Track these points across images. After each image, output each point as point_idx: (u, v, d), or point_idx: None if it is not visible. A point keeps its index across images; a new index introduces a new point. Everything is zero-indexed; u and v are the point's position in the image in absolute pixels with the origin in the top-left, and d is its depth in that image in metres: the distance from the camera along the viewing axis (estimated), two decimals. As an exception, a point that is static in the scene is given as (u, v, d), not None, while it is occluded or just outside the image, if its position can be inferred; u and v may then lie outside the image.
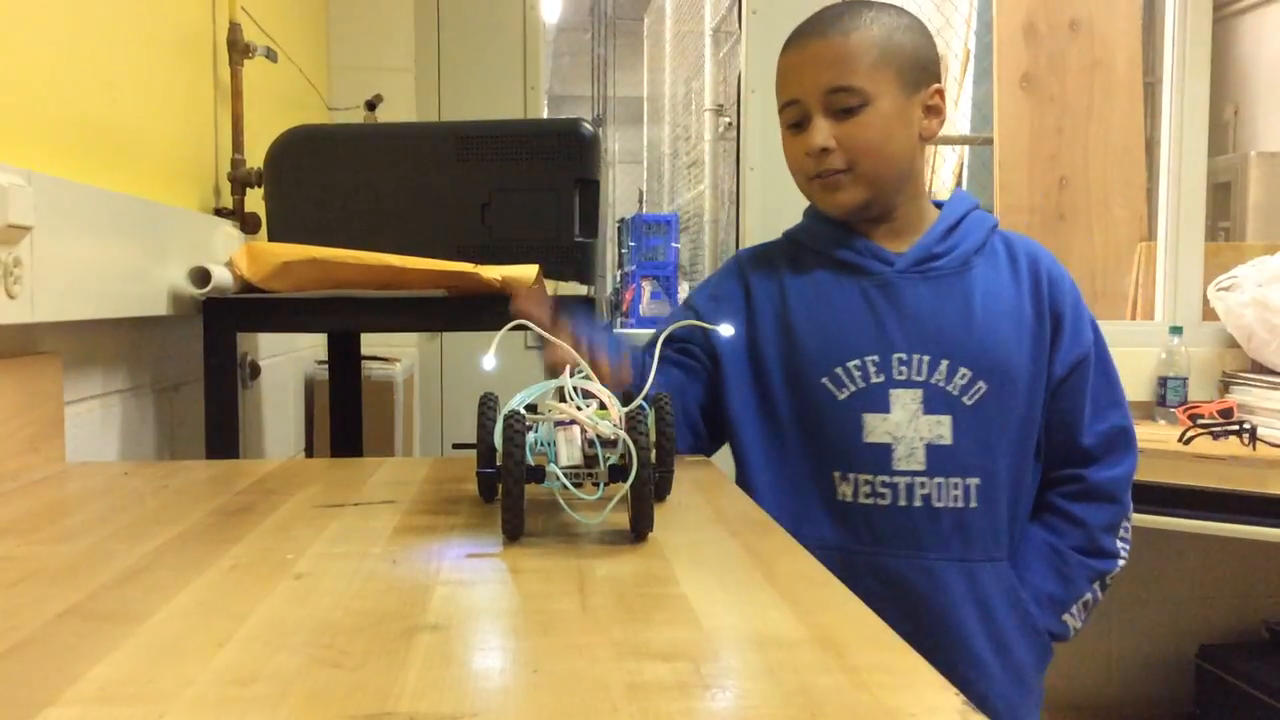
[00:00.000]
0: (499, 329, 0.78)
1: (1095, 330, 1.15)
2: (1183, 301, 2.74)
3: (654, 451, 0.70)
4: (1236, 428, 2.09)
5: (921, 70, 1.10)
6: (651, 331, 1.23)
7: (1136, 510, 2.06)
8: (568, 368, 0.75)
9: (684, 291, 5.59)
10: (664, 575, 0.58)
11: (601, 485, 0.68)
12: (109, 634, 0.47)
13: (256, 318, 1.27)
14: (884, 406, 1.07)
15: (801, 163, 1.11)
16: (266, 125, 1.61)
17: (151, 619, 0.50)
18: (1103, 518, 1.13)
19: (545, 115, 3.61)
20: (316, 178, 1.35)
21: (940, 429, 1.06)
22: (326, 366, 1.83)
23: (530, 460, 0.67)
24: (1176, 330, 2.55)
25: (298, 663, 0.44)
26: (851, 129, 1.07)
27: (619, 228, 6.11)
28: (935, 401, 1.07)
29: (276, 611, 0.51)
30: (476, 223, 1.33)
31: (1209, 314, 2.66)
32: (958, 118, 3.90)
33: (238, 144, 1.56)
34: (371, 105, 2.14)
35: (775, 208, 2.61)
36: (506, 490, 0.64)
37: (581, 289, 1.37)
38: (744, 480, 1.12)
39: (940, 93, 1.12)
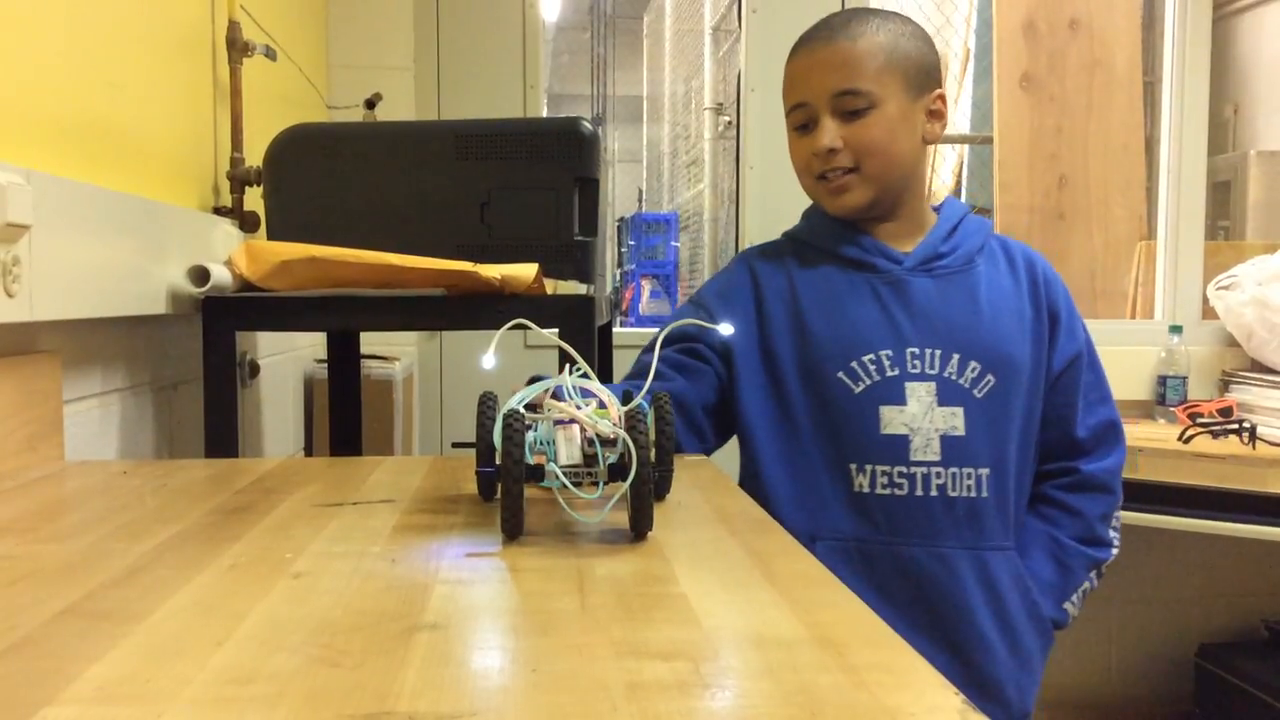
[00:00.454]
0: (498, 328, 0.78)
1: (1085, 329, 1.21)
2: (1182, 300, 2.74)
3: (653, 450, 0.70)
4: (1236, 427, 2.09)
5: (925, 75, 1.14)
6: (654, 331, 1.23)
7: (1137, 510, 2.06)
8: (567, 367, 0.75)
9: (683, 291, 5.59)
10: (663, 574, 0.58)
11: (601, 484, 0.68)
12: (107, 633, 0.47)
13: (256, 316, 1.27)
14: (900, 399, 1.10)
15: (808, 163, 1.15)
16: (266, 124, 1.61)
17: (150, 618, 0.50)
18: (1098, 508, 1.17)
19: (545, 114, 3.61)
20: (316, 176, 1.35)
21: (954, 420, 1.10)
22: (326, 365, 1.83)
23: (530, 459, 0.67)
24: (1176, 329, 2.55)
25: (296, 662, 0.44)
26: (858, 130, 1.11)
27: (618, 227, 6.11)
28: (948, 394, 1.10)
29: (275, 611, 0.51)
30: (476, 221, 1.33)
31: (1209, 313, 2.66)
32: (957, 117, 3.90)
33: (237, 142, 1.55)
34: (371, 104, 2.13)
35: (775, 206, 2.61)
36: (506, 489, 0.64)
37: (581, 288, 1.37)
38: (756, 476, 1.14)
39: (942, 97, 1.16)
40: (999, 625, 1.10)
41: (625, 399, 0.73)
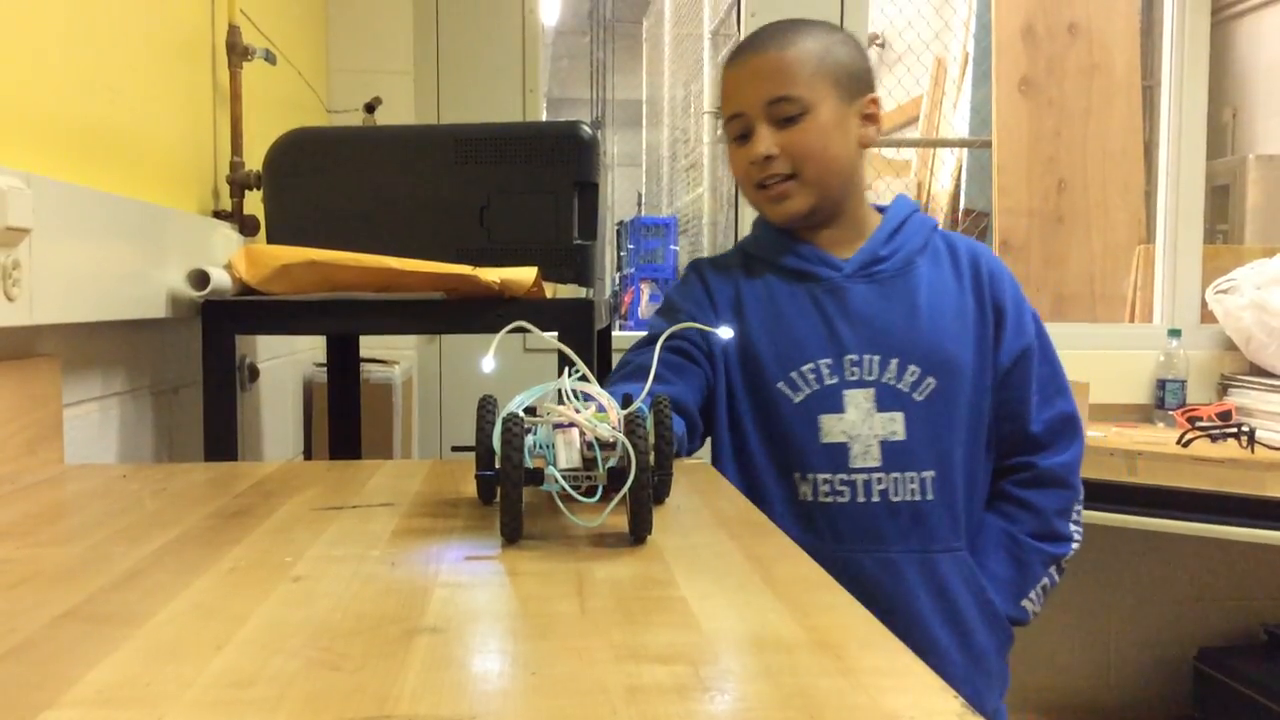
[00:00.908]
0: (498, 331, 0.78)
1: (1037, 322, 1.20)
2: (1181, 304, 2.74)
3: (652, 454, 0.70)
4: (1235, 430, 2.09)
5: (857, 80, 1.15)
6: (642, 334, 1.23)
7: (1136, 513, 2.06)
8: (566, 370, 0.75)
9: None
10: (663, 578, 0.58)
11: (600, 488, 0.68)
12: (108, 636, 0.47)
13: (255, 320, 1.27)
14: (838, 407, 1.11)
15: (747, 172, 1.16)
16: (265, 128, 1.61)
17: (150, 621, 0.50)
18: (1055, 503, 1.17)
19: (544, 118, 3.62)
20: (315, 180, 1.35)
21: (894, 425, 1.11)
22: (325, 369, 1.83)
23: (529, 463, 0.67)
24: (1175, 333, 2.55)
25: (296, 665, 0.44)
26: (794, 136, 1.12)
27: (618, 230, 6.11)
28: (887, 399, 1.11)
29: (275, 614, 0.51)
30: (475, 225, 1.33)
31: (1207, 317, 2.66)
32: (956, 120, 3.91)
33: (236, 146, 1.56)
34: (370, 108, 2.14)
35: (774, 210, 2.60)
36: (505, 493, 0.64)
37: (580, 292, 1.37)
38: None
39: (875, 101, 1.17)
40: (950, 627, 1.10)
41: (624, 402, 0.73)
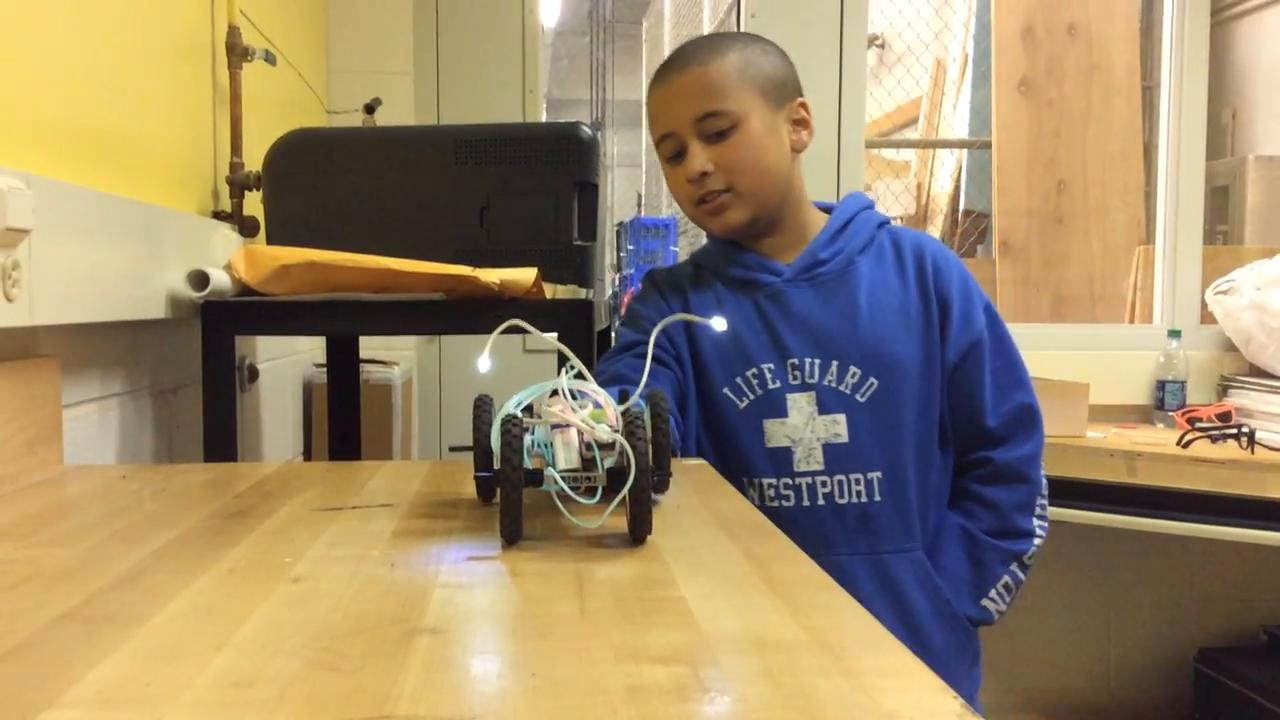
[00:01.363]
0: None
1: (991, 314, 1.19)
2: (1181, 305, 2.74)
3: (650, 453, 0.70)
4: (1235, 431, 2.09)
5: (782, 87, 1.15)
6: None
7: (1136, 514, 2.06)
8: (563, 370, 0.75)
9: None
10: (662, 578, 0.58)
11: (600, 488, 0.68)
12: (107, 637, 0.47)
13: (255, 321, 1.27)
14: (781, 411, 1.12)
15: (685, 190, 1.16)
16: (265, 128, 1.61)
17: (150, 622, 0.50)
18: (1014, 498, 1.16)
19: (544, 119, 3.62)
20: (315, 181, 1.35)
21: (836, 428, 1.11)
22: (325, 369, 1.83)
23: (528, 463, 0.67)
24: (1175, 334, 2.55)
25: (296, 666, 0.44)
26: (726, 150, 1.12)
27: (617, 231, 6.11)
28: (829, 402, 1.12)
29: (275, 614, 0.51)
30: (475, 226, 1.33)
31: (1207, 317, 2.66)
32: (956, 121, 3.91)
33: (236, 147, 1.56)
34: (370, 109, 2.14)
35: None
36: (504, 495, 0.64)
37: (580, 292, 1.37)
38: None
39: (804, 105, 1.17)
40: (904, 628, 1.09)
41: (621, 400, 0.73)
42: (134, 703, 0.40)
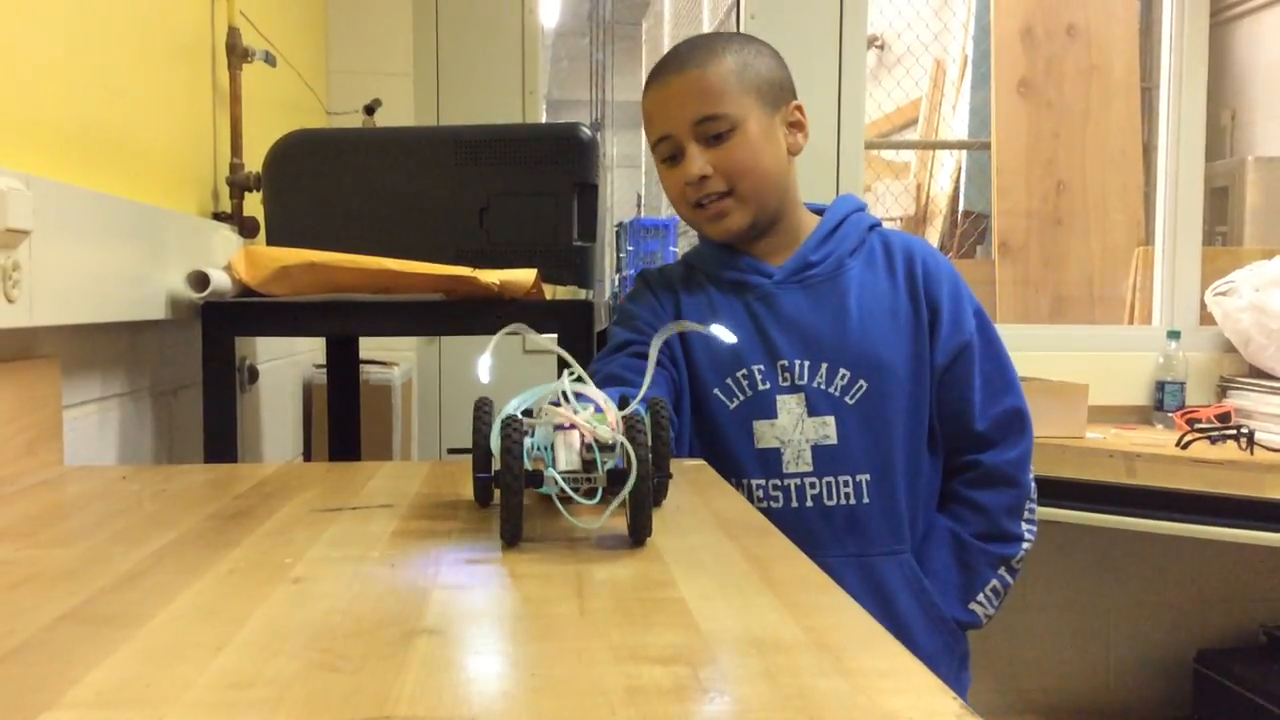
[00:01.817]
0: (497, 333, 0.78)
1: (981, 317, 1.19)
2: (1180, 306, 2.75)
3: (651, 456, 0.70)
4: (1234, 432, 2.09)
5: (779, 90, 1.15)
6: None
7: (1135, 515, 2.06)
8: (564, 372, 0.75)
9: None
10: (662, 579, 0.58)
11: (600, 489, 0.68)
12: (107, 638, 0.47)
13: (255, 322, 1.27)
14: (771, 413, 1.12)
15: (683, 193, 1.16)
16: (265, 129, 1.61)
17: (150, 623, 0.50)
18: (1003, 501, 1.16)
19: (544, 120, 3.62)
20: (315, 182, 1.35)
21: (825, 430, 1.11)
22: (325, 370, 1.83)
23: (528, 465, 0.67)
24: (1174, 335, 2.55)
25: (296, 666, 0.44)
26: (725, 153, 1.12)
27: (617, 231, 6.11)
28: (818, 404, 1.12)
29: (274, 615, 0.51)
30: (475, 227, 1.33)
31: (1206, 318, 2.67)
32: (955, 122, 3.91)
33: (236, 148, 1.56)
34: (370, 109, 2.14)
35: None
36: (504, 496, 0.64)
37: (580, 293, 1.37)
38: None
39: (800, 108, 1.17)
40: (891, 630, 1.09)
41: (621, 404, 0.73)
42: (134, 703, 0.40)
